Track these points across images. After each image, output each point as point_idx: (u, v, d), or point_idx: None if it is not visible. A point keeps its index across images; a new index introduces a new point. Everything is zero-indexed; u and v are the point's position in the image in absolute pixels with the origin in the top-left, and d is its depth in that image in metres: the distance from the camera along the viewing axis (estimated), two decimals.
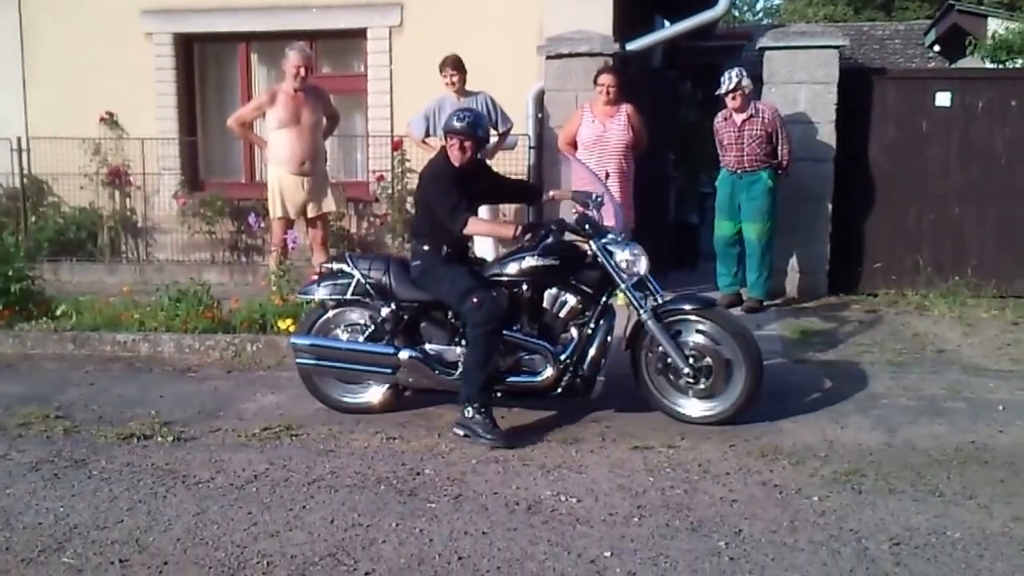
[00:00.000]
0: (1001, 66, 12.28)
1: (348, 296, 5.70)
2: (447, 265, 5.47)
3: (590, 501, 4.43)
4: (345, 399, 5.87)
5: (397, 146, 9.48)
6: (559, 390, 5.44)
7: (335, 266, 5.85)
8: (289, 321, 7.09)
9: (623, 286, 5.36)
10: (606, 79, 7.87)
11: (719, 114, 8.22)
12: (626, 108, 7.95)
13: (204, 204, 10.28)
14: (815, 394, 6.06)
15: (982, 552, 3.89)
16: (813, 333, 7.56)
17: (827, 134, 8.60)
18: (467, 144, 5.45)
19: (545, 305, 5.50)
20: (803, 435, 5.33)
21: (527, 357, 5.45)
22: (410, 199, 9.50)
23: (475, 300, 5.22)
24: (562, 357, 5.38)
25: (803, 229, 8.71)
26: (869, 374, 6.46)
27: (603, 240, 5.43)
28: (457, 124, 5.43)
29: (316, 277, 5.96)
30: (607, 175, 6.99)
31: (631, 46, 9.10)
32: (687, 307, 5.42)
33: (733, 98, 7.93)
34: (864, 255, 9.00)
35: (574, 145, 8.03)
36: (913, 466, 4.84)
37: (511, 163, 9.01)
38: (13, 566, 3.83)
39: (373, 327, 5.68)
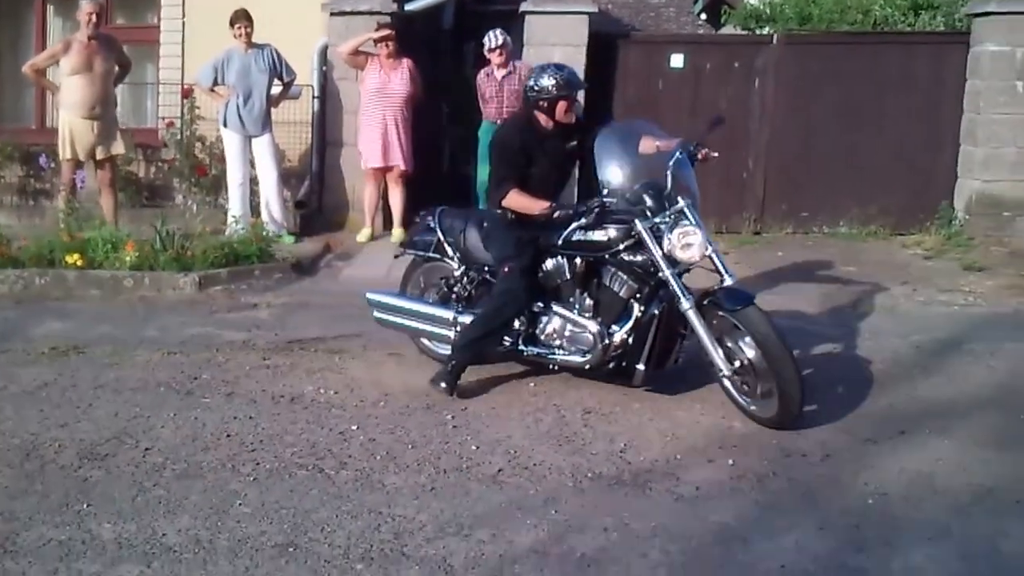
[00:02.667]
0: (751, 33, 13.38)
1: (430, 254, 5.70)
2: (507, 229, 5.25)
3: (345, 393, 5.22)
4: (431, 346, 5.83)
5: (187, 94, 9.86)
6: (603, 370, 5.16)
7: (428, 221, 5.76)
8: (76, 256, 7.42)
9: (666, 273, 4.83)
10: (384, 33, 8.68)
11: (482, 71, 9.05)
12: (407, 62, 8.76)
13: None
14: None
15: (615, 419, 4.87)
16: None
17: None
18: (573, 103, 5.19)
19: (604, 281, 5.13)
20: None
21: (575, 334, 5.19)
22: (199, 144, 9.92)
23: (507, 268, 5.17)
24: (615, 337, 5.03)
25: None
26: None
27: (656, 220, 4.89)
28: (555, 85, 5.07)
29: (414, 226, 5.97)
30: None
31: (409, 7, 9.77)
32: (732, 309, 4.75)
33: (500, 54, 8.75)
34: None
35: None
36: None
37: (296, 112, 9.64)
38: None
39: (446, 287, 5.66)
